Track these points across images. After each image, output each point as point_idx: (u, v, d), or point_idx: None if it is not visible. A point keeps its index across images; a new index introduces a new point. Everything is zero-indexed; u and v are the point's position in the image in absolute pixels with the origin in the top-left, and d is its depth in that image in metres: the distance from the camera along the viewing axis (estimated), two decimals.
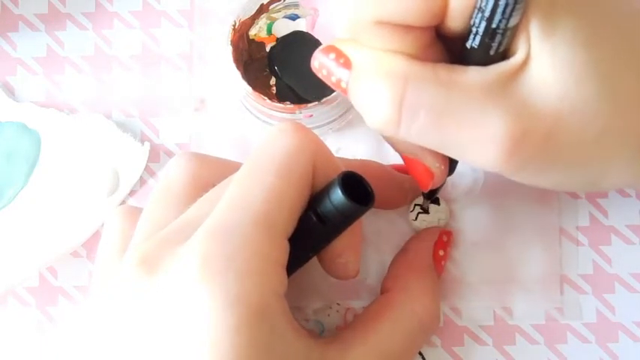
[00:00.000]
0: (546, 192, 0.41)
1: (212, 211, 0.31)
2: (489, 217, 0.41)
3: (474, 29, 0.29)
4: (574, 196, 0.41)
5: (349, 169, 0.32)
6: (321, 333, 0.40)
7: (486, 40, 0.29)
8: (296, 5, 0.42)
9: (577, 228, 0.41)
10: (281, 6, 0.42)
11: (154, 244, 0.31)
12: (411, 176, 0.35)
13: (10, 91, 0.43)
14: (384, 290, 0.38)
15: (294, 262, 0.32)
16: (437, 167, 0.34)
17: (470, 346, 0.40)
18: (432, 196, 0.39)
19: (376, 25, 0.30)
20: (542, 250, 0.40)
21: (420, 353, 0.40)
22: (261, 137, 0.36)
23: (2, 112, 0.42)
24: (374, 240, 0.40)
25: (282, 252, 0.31)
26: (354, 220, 0.32)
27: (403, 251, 0.39)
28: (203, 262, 0.29)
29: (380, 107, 0.30)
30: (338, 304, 0.40)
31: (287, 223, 0.31)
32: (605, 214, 0.41)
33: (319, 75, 0.32)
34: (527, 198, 0.41)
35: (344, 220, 0.32)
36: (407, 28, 0.30)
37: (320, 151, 0.32)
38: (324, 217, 0.31)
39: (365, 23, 0.30)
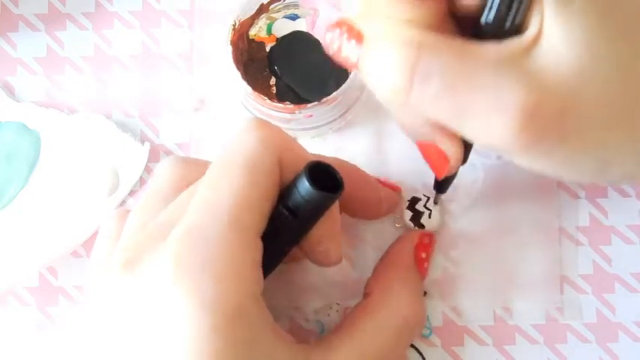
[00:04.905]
0: (546, 192, 0.41)
1: (185, 212, 0.31)
2: (489, 217, 0.41)
3: (488, 2, 0.29)
4: (574, 196, 0.41)
5: (318, 160, 0.32)
6: (321, 333, 0.40)
7: (501, 13, 0.29)
8: (296, 5, 0.42)
9: (577, 228, 0.41)
10: (281, 6, 0.42)
11: (134, 243, 0.31)
12: (426, 162, 0.35)
13: (10, 91, 0.43)
14: (367, 292, 0.37)
15: (272, 258, 0.32)
16: (453, 151, 0.33)
17: (470, 346, 0.40)
18: (443, 189, 0.38)
19: None
20: (542, 250, 0.40)
21: (420, 353, 0.40)
22: (230, 136, 0.36)
23: (2, 112, 0.42)
24: (373, 240, 0.40)
25: (255, 251, 0.31)
26: (326, 210, 0.32)
27: (385, 254, 0.39)
28: (177, 264, 0.29)
29: (391, 73, 0.30)
30: (338, 304, 0.40)
31: (258, 222, 0.31)
32: (605, 214, 0.41)
33: (330, 50, 0.32)
34: (527, 198, 0.41)
35: (315, 210, 0.32)
36: None
37: (285, 144, 0.32)
38: (294, 209, 0.31)
39: None
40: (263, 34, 0.42)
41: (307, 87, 0.41)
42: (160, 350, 0.29)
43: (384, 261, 0.39)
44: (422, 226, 0.40)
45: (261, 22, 0.42)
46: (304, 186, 0.31)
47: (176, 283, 0.29)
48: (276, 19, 0.42)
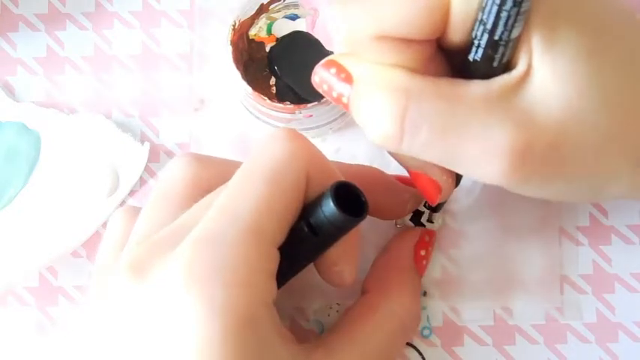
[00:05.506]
0: None
1: (202, 218, 0.30)
2: (489, 217, 0.41)
3: (476, 42, 0.29)
4: None
5: (345, 177, 0.32)
6: (320, 332, 0.40)
7: (489, 52, 0.29)
8: (296, 5, 0.42)
9: (577, 228, 0.41)
10: (281, 6, 0.42)
11: (144, 249, 0.31)
12: (418, 190, 0.35)
13: (10, 91, 0.43)
14: (364, 290, 0.37)
15: (288, 271, 0.32)
16: (444, 180, 0.34)
17: (470, 346, 0.40)
18: (437, 209, 0.39)
19: (376, 40, 0.30)
20: (542, 250, 0.40)
21: (420, 353, 0.40)
22: (257, 143, 0.36)
23: (2, 112, 0.42)
24: (373, 239, 0.40)
25: (270, 261, 0.30)
26: (347, 231, 0.32)
27: (384, 251, 0.39)
28: (189, 270, 0.29)
29: (381, 122, 0.30)
30: (338, 304, 0.40)
31: (276, 233, 0.30)
32: (605, 214, 0.41)
33: (320, 90, 0.32)
34: (527, 198, 0.40)
35: (337, 231, 0.31)
36: (407, 41, 0.30)
37: (314, 158, 0.32)
38: (316, 227, 0.31)
39: (365, 38, 0.30)
40: (263, 34, 0.42)
41: (307, 87, 0.40)
42: (168, 356, 0.29)
43: (383, 258, 0.39)
44: (422, 226, 0.40)
45: (261, 22, 0.42)
46: (329, 206, 0.30)
47: (187, 289, 0.28)
48: (276, 19, 0.42)
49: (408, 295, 0.36)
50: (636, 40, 0.31)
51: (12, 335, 0.41)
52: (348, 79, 0.31)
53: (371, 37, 0.30)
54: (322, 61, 0.32)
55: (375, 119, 0.30)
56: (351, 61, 0.31)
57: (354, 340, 0.34)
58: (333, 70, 0.31)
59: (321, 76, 0.32)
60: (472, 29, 0.29)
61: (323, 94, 0.32)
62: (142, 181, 0.42)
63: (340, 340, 0.33)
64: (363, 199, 0.31)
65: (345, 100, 0.31)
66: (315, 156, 0.32)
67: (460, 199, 0.41)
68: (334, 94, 0.32)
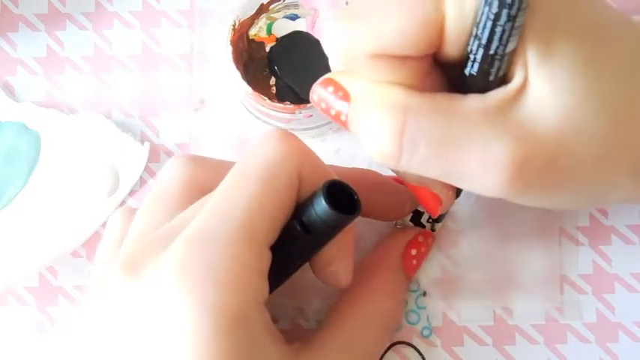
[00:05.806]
0: None
1: (194, 218, 0.31)
2: (489, 217, 0.41)
3: (471, 56, 0.29)
4: None
5: (338, 177, 0.32)
6: None
7: (485, 66, 0.29)
8: (296, 5, 0.42)
9: (577, 228, 0.41)
10: (281, 6, 0.42)
11: (138, 248, 0.31)
12: (420, 203, 0.35)
13: (10, 91, 0.43)
14: (350, 284, 0.37)
15: (281, 271, 0.32)
16: (444, 193, 0.34)
17: (470, 346, 0.40)
18: (440, 219, 0.39)
19: (372, 58, 0.30)
20: (542, 250, 0.40)
21: (420, 353, 0.40)
22: (250, 144, 0.36)
23: (2, 112, 0.42)
24: (372, 239, 0.40)
25: (262, 260, 0.30)
26: (340, 230, 0.32)
27: (375, 247, 0.39)
28: (180, 269, 0.29)
29: (379, 140, 0.30)
30: None
31: (269, 232, 0.31)
32: (605, 214, 0.41)
33: (319, 108, 0.32)
34: None
35: (329, 229, 0.31)
36: (403, 58, 0.30)
37: (307, 158, 0.32)
38: (309, 226, 0.31)
39: (361, 57, 0.30)
40: (263, 34, 0.42)
41: (307, 87, 0.40)
42: (160, 354, 0.29)
43: (373, 256, 0.39)
44: (422, 227, 0.40)
45: (261, 22, 0.42)
46: (321, 205, 0.30)
47: (179, 287, 0.29)
48: (276, 19, 0.42)
49: (392, 296, 0.37)
50: (634, 45, 0.31)
51: (12, 335, 0.41)
52: (346, 96, 0.31)
53: (367, 56, 0.30)
54: (319, 80, 0.32)
55: (373, 137, 0.30)
56: (348, 79, 0.31)
57: (341, 337, 0.34)
58: (331, 89, 0.31)
59: (319, 95, 0.32)
60: (467, 44, 0.29)
61: (322, 112, 0.32)
62: (142, 181, 0.42)
63: (327, 338, 0.34)
64: (356, 197, 0.31)
65: (343, 118, 0.31)
66: (307, 156, 0.32)
67: (460, 199, 0.41)
68: (332, 112, 0.32)
